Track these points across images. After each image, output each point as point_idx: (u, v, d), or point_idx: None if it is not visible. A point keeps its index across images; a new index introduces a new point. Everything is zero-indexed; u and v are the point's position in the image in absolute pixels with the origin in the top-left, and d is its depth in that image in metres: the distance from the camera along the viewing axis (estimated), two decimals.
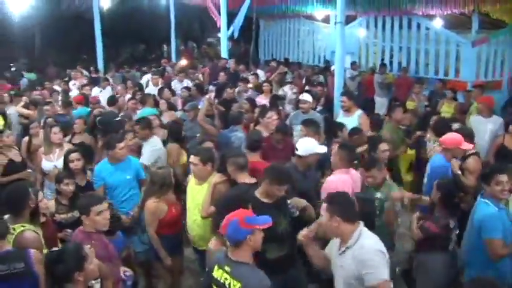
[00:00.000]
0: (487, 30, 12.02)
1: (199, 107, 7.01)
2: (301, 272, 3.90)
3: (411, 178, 6.96)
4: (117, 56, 19.58)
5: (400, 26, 12.25)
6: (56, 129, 5.70)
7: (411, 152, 6.91)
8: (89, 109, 7.81)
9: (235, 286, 2.80)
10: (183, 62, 15.21)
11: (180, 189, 4.90)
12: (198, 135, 6.50)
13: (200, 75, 12.21)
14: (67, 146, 5.70)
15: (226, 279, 2.85)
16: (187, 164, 5.15)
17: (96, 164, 5.30)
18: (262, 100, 8.08)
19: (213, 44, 21.15)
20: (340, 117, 6.87)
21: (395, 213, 4.39)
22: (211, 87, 9.43)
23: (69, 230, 3.98)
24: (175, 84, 10.34)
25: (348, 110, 6.67)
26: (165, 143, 6.07)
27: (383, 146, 5.04)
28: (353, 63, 12.29)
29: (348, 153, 4.35)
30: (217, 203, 3.84)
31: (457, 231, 3.99)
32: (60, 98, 9.43)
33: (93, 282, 2.89)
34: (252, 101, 7.46)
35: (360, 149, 5.59)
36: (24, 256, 3.05)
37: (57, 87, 10.77)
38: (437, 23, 12.45)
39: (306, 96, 6.81)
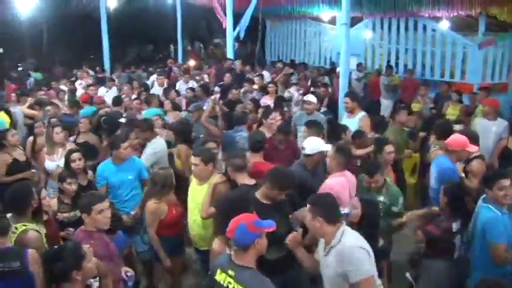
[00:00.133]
0: (494, 32, 11.97)
1: (204, 108, 7.00)
2: (300, 272, 3.89)
3: (415, 181, 6.92)
4: (123, 56, 19.67)
5: (406, 28, 12.22)
6: (58, 129, 5.71)
7: (415, 155, 6.87)
8: (96, 108, 7.81)
9: None
10: (191, 63, 15.20)
11: (181, 190, 4.90)
12: (201, 135, 6.50)
13: (206, 76, 12.21)
14: (70, 146, 5.71)
15: (230, 283, 2.82)
16: None
17: (100, 163, 5.32)
18: (267, 101, 8.06)
19: (220, 45, 21.09)
20: (344, 118, 6.85)
21: None
22: (216, 89, 9.43)
23: (71, 229, 3.99)
24: (181, 85, 10.34)
25: (351, 111, 6.65)
26: (169, 143, 6.08)
27: (389, 148, 5.02)
28: (359, 65, 12.25)
29: (345, 157, 4.31)
30: (218, 204, 3.83)
31: (459, 235, 3.95)
32: (66, 97, 9.49)
33: (91, 280, 2.89)
34: (255, 102, 7.44)
35: (365, 151, 5.61)
36: (22, 255, 3.08)
37: (63, 87, 10.82)
38: (444, 25, 12.38)
39: (311, 97, 6.78)
